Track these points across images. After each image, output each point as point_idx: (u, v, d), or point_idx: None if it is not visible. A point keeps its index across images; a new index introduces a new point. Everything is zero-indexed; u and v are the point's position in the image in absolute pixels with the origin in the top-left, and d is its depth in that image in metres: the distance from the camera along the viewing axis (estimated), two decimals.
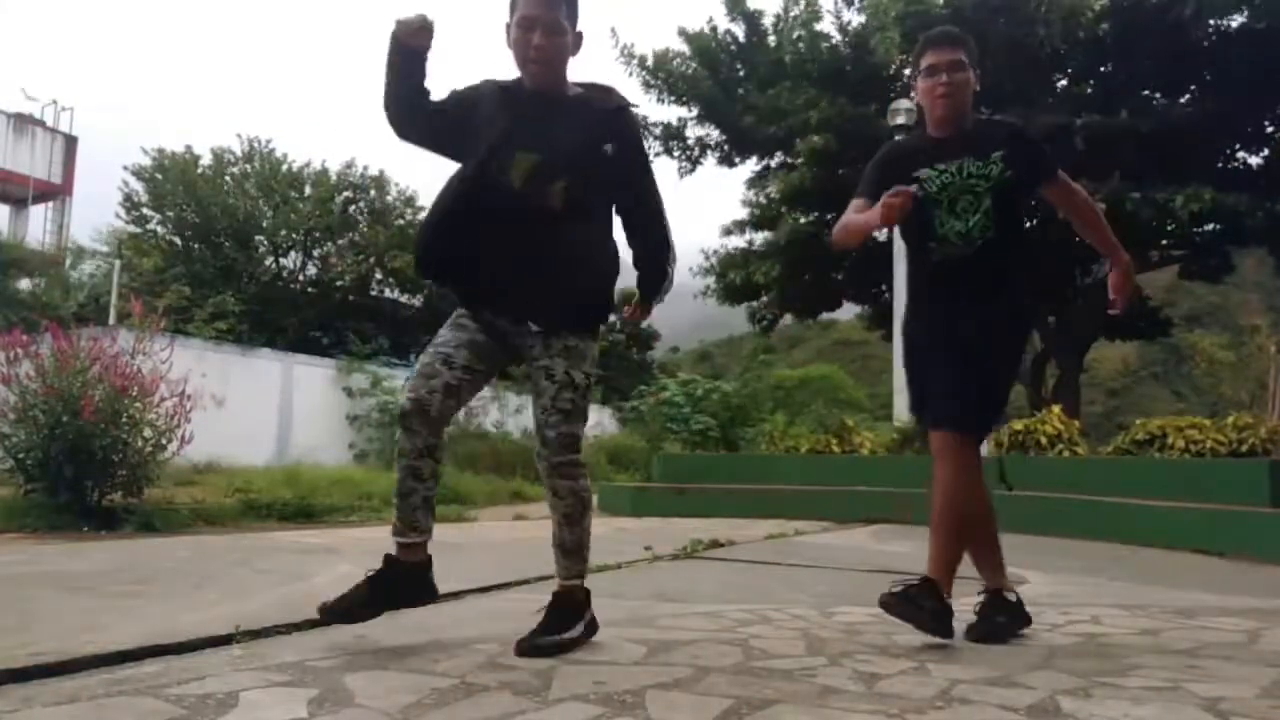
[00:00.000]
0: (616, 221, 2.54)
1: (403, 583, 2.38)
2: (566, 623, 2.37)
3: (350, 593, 2.36)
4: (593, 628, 2.45)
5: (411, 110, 2.40)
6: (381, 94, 2.40)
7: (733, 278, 15.81)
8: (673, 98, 15.87)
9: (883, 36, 12.58)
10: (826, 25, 14.38)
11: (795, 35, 14.24)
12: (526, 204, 2.31)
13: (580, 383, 2.37)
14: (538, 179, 2.32)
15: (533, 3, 2.34)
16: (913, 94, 3.06)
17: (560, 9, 2.36)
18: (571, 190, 2.33)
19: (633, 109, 2.53)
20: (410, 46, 2.33)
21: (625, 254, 2.57)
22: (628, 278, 2.58)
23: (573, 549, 2.45)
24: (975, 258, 2.68)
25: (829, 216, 15.31)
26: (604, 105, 2.46)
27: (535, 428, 2.38)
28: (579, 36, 2.42)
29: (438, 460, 2.37)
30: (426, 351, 2.38)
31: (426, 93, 2.40)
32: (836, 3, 14.35)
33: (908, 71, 14.10)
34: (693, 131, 16.38)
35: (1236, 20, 11.85)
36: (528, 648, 2.26)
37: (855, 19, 13.94)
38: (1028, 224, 14.84)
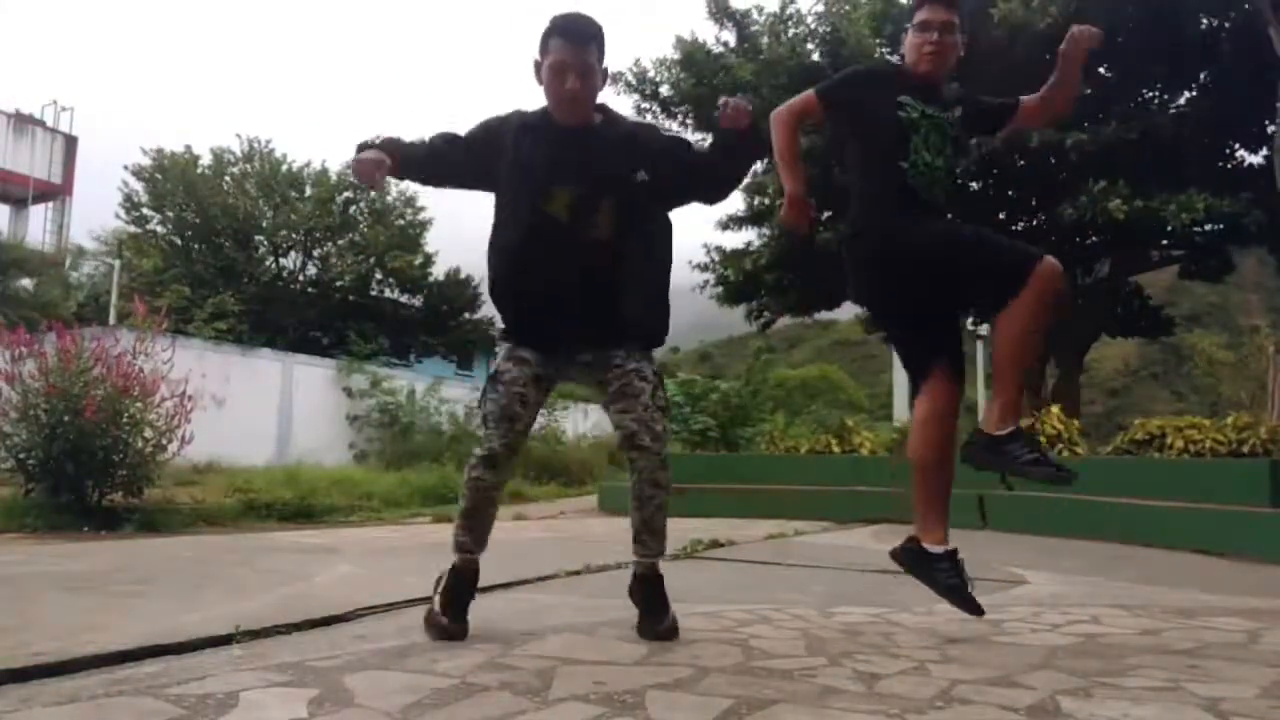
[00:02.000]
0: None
1: (473, 586, 2.55)
2: (665, 599, 2.58)
3: (441, 606, 2.49)
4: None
5: (437, 175, 2.64)
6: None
7: (730, 274, 15.79)
8: (665, 113, 15.91)
9: (851, 23, 12.63)
10: (805, 34, 14.43)
11: (764, 45, 14.29)
12: (578, 237, 2.42)
13: (662, 381, 2.57)
14: (581, 211, 2.42)
15: (565, 48, 2.42)
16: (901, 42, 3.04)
17: (592, 51, 2.45)
18: (616, 216, 2.44)
19: (647, 127, 2.70)
20: (370, 179, 2.43)
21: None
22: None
23: (660, 529, 2.62)
24: (938, 198, 2.72)
25: (825, 216, 15.31)
26: (627, 128, 2.61)
27: (638, 428, 2.45)
28: (605, 72, 2.51)
29: (503, 486, 2.58)
30: (497, 390, 2.47)
31: (442, 155, 2.56)
32: (808, 14, 14.41)
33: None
34: (689, 138, 16.41)
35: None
36: (661, 633, 2.48)
37: (821, 27, 13.96)
38: (1026, 225, 14.86)
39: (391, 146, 2.50)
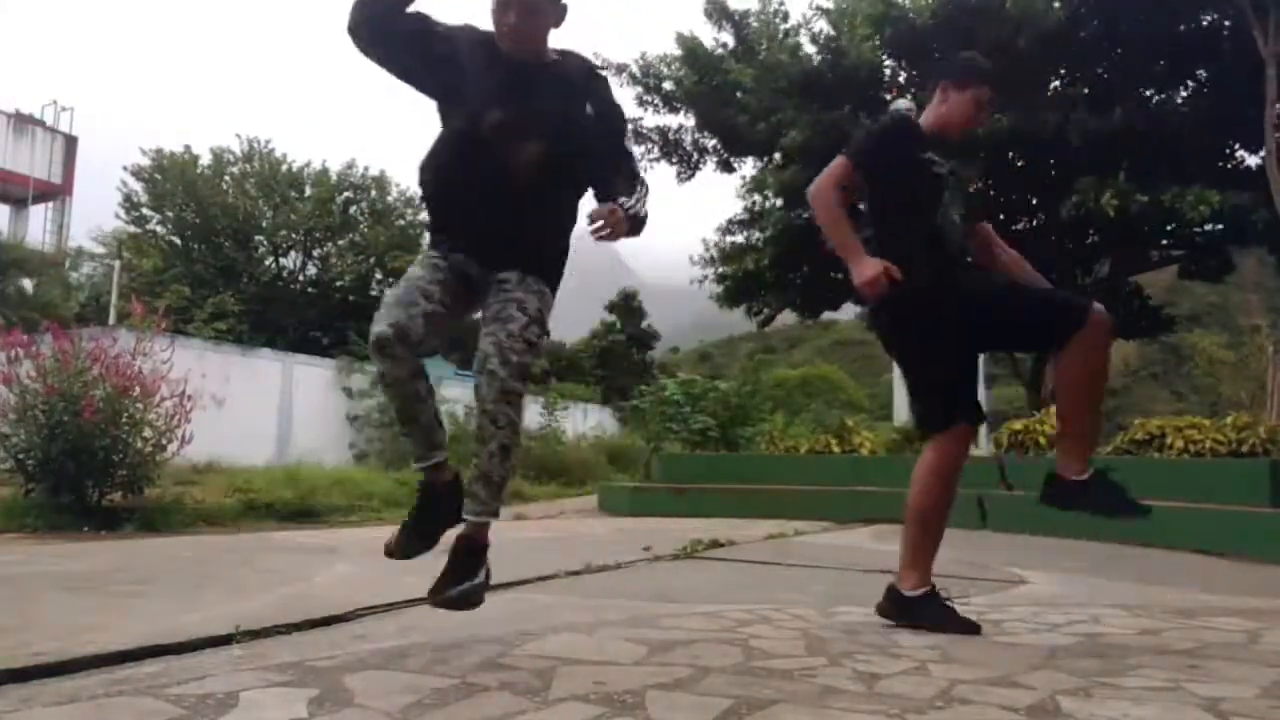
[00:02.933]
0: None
1: (447, 501, 2.34)
2: (473, 568, 2.24)
3: (403, 534, 2.38)
4: (488, 575, 2.32)
5: (389, 14, 2.30)
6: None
7: (729, 271, 15.80)
8: (666, 108, 15.93)
9: (854, 34, 12.65)
10: (802, 36, 14.45)
11: (763, 50, 14.31)
12: (504, 161, 2.31)
13: (544, 323, 2.34)
14: (513, 138, 2.32)
15: None
16: (908, 95, 3.12)
17: None
18: (547, 153, 2.33)
19: (604, 73, 2.54)
20: None
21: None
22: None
23: (499, 482, 2.25)
24: (958, 250, 2.86)
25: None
26: (579, 70, 2.46)
27: (492, 350, 2.23)
28: (562, 10, 2.38)
29: (428, 380, 2.30)
30: (398, 285, 2.29)
31: (408, 3, 2.31)
32: (805, 15, 14.40)
33: (893, 77, 14.24)
34: (689, 136, 16.41)
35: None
36: (445, 600, 2.19)
37: (826, 28, 13.96)
38: (1025, 225, 14.87)
39: None
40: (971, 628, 2.66)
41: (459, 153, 2.36)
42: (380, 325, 2.18)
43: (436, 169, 2.40)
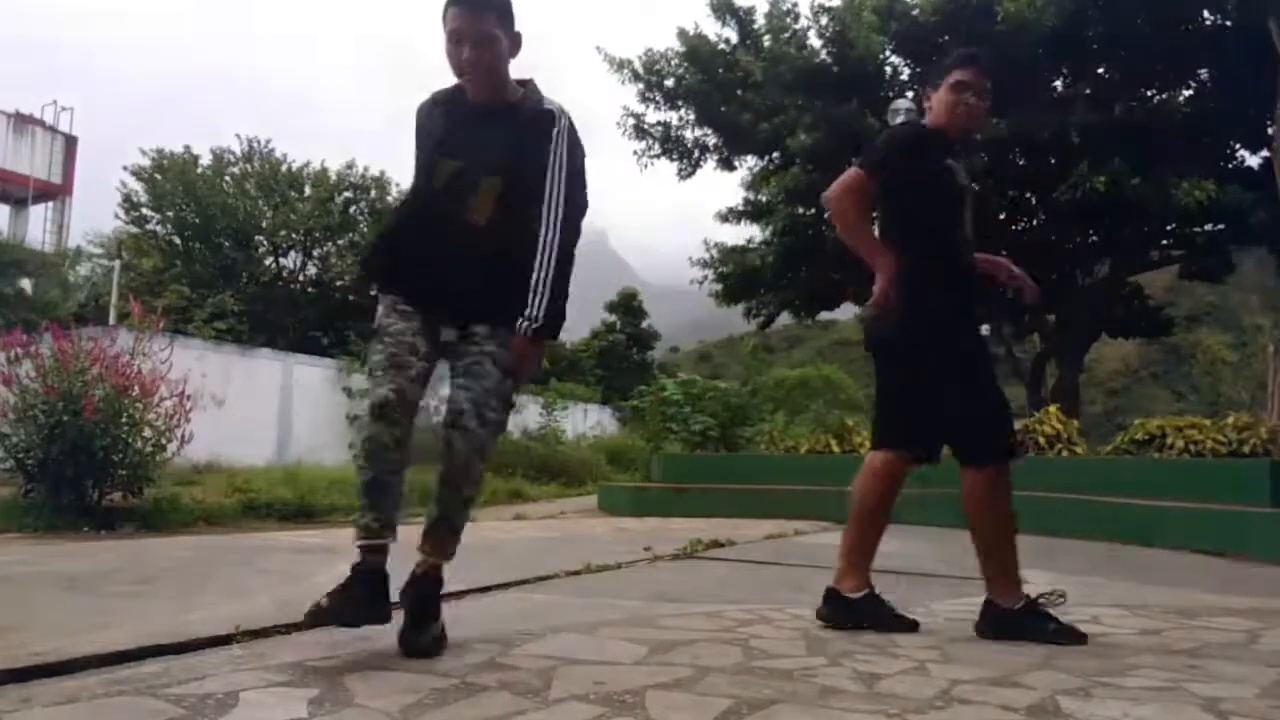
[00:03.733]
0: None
1: (382, 592, 2.21)
2: (437, 607, 2.29)
3: (335, 602, 2.18)
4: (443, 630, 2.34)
5: None
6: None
7: (730, 269, 15.77)
8: (668, 104, 15.93)
9: (861, 30, 12.64)
10: (809, 34, 14.44)
11: (766, 46, 14.31)
12: (455, 215, 2.31)
13: (512, 376, 2.35)
14: (458, 186, 2.32)
15: (460, 16, 2.29)
16: (914, 94, 3.06)
17: (489, 20, 2.30)
18: (500, 197, 2.31)
19: (559, 113, 2.39)
20: None
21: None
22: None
23: (459, 529, 2.36)
24: (972, 266, 2.80)
25: (826, 215, 15.29)
26: (533, 108, 2.40)
27: (468, 408, 2.25)
28: (517, 38, 2.36)
29: (407, 452, 2.27)
30: (382, 340, 2.26)
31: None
32: (813, 7, 14.39)
33: (898, 74, 14.23)
34: (690, 134, 16.40)
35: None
36: (421, 650, 2.19)
37: (830, 23, 13.94)
38: (1024, 224, 14.85)
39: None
40: (910, 625, 2.68)
41: (419, 215, 2.36)
42: (383, 388, 2.17)
43: (395, 229, 2.40)
